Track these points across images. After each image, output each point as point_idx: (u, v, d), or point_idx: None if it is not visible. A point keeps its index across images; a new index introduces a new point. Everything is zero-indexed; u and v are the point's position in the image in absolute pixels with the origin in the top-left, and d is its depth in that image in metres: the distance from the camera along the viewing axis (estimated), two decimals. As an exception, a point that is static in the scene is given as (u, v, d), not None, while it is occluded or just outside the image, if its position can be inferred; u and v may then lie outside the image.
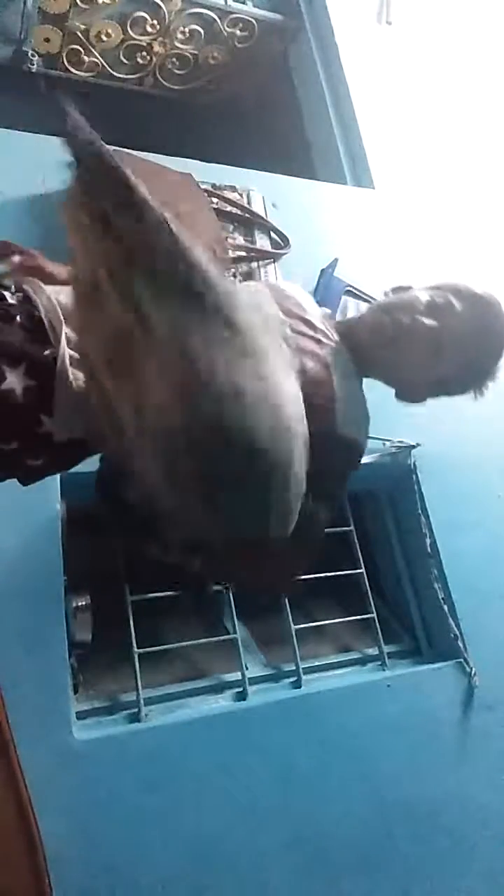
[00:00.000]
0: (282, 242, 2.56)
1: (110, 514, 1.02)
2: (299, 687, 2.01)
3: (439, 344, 1.10)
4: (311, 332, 1.07)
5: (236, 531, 0.82)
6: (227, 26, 3.13)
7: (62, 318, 0.96)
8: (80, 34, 2.97)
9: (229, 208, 2.50)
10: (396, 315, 1.10)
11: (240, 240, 2.48)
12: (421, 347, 1.10)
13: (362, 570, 2.28)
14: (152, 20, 2.99)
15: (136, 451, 0.79)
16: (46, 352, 0.94)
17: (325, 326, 1.10)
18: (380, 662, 2.18)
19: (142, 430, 0.77)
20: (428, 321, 1.09)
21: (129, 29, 3.00)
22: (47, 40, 2.97)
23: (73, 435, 0.95)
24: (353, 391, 1.09)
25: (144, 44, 3.08)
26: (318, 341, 1.06)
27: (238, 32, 3.17)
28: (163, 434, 0.75)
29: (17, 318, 0.96)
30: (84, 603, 1.81)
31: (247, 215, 2.53)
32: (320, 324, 1.09)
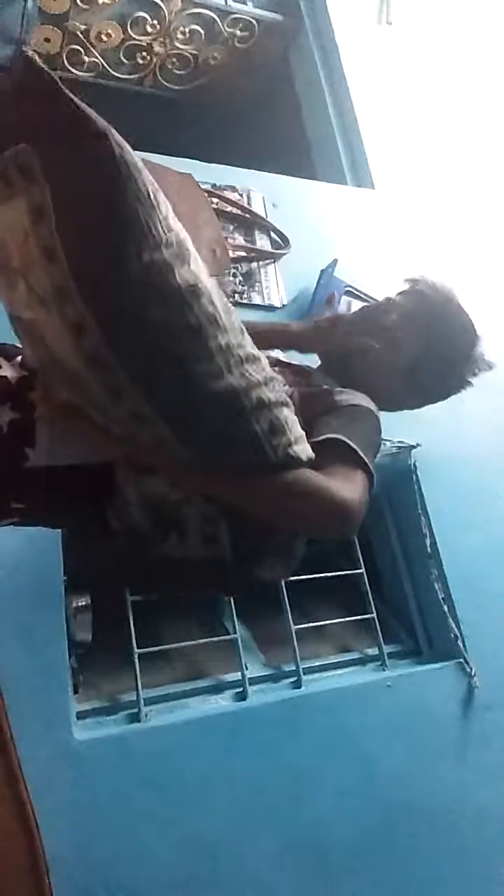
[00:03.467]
0: (282, 242, 2.56)
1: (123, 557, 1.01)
2: (299, 687, 2.01)
3: (393, 339, 1.18)
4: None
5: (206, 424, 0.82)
6: (227, 26, 3.13)
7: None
8: (80, 34, 2.97)
9: (229, 208, 2.50)
10: (372, 342, 1.19)
11: (240, 240, 2.48)
12: (385, 354, 1.19)
13: (362, 570, 2.28)
14: (152, 20, 2.98)
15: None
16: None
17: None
18: (380, 662, 2.18)
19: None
20: (398, 335, 1.19)
21: (129, 29, 2.99)
22: (47, 40, 2.97)
23: (54, 462, 0.93)
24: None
25: (144, 44, 3.08)
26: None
27: (238, 32, 3.17)
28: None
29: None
30: (84, 603, 1.81)
31: (247, 215, 2.53)
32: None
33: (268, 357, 0.97)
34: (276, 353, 1.27)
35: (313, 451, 0.90)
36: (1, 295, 0.84)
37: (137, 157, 0.75)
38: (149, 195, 0.74)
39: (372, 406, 1.08)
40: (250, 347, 0.85)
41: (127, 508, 0.91)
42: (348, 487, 0.88)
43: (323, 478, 0.87)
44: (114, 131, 0.73)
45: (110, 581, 1.07)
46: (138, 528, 0.91)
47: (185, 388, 0.79)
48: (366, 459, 0.94)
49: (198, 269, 0.79)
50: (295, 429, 0.88)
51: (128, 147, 0.74)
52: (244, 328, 0.86)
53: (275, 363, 1.16)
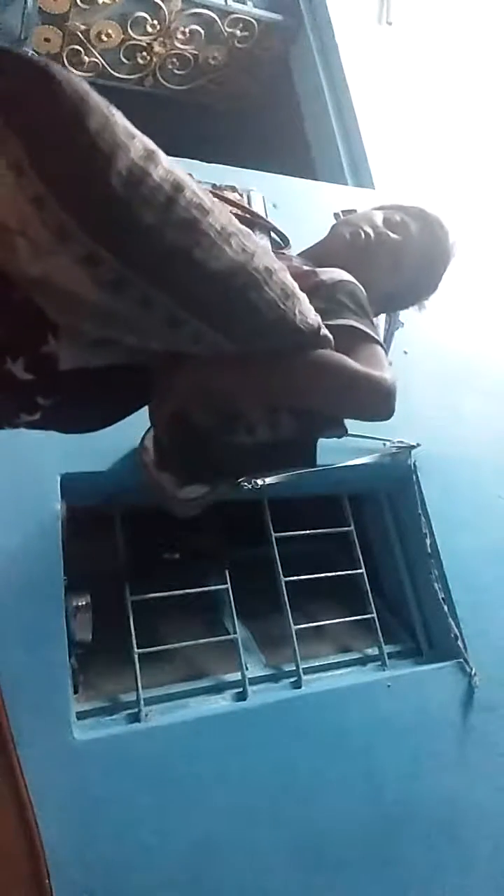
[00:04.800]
0: (282, 242, 2.55)
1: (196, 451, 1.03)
2: (299, 687, 2.01)
3: (399, 258, 1.20)
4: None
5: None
6: (227, 26, 3.13)
7: None
8: (80, 34, 2.97)
9: (229, 208, 2.49)
10: (363, 227, 1.19)
11: (240, 240, 2.48)
12: (384, 260, 1.22)
13: (362, 570, 2.28)
14: (152, 20, 2.99)
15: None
16: None
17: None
18: (380, 662, 2.18)
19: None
20: (392, 234, 1.19)
21: (129, 29, 3.00)
22: (47, 40, 2.97)
23: (80, 364, 0.92)
24: None
25: (144, 44, 3.08)
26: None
27: (238, 32, 3.17)
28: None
29: None
30: (84, 603, 1.81)
31: (247, 215, 2.52)
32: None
33: None
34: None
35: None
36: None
37: (81, 80, 0.78)
38: (104, 111, 0.78)
39: (353, 278, 1.12)
40: (237, 222, 0.89)
41: (183, 407, 0.95)
42: (379, 367, 0.96)
43: (354, 363, 0.94)
44: (53, 65, 0.77)
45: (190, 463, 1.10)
46: (202, 423, 0.96)
47: (200, 276, 0.82)
48: (378, 338, 1.00)
49: (171, 165, 0.83)
50: (300, 292, 0.92)
51: (70, 75, 0.78)
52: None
53: None
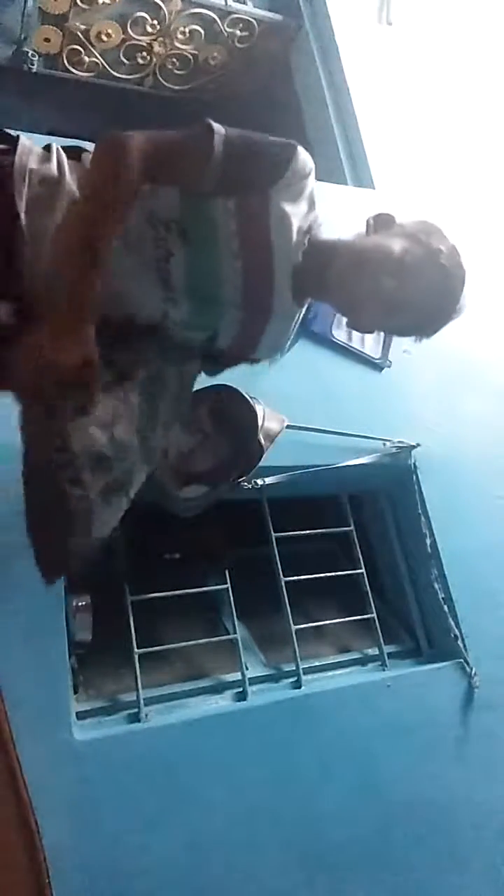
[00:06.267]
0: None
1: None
2: (299, 687, 2.01)
3: (394, 305, 1.10)
4: None
5: None
6: (227, 26, 3.13)
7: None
8: (80, 34, 2.97)
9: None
10: (366, 269, 1.08)
11: (240, 240, 2.48)
12: (377, 307, 1.11)
13: (362, 570, 2.28)
14: (152, 20, 2.98)
15: None
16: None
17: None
18: (380, 662, 2.18)
19: None
20: (390, 283, 1.07)
21: (129, 29, 2.99)
22: (47, 40, 2.97)
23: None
24: None
25: (144, 44, 3.08)
26: None
27: (238, 32, 3.17)
28: None
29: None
30: (84, 603, 1.81)
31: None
32: None
33: None
34: None
35: None
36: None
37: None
38: None
39: None
40: None
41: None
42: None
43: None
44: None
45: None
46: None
47: None
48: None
49: None
50: None
51: None
52: None
53: None
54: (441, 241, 1.10)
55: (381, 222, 1.16)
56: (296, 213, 1.06)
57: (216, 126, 0.98)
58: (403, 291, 1.07)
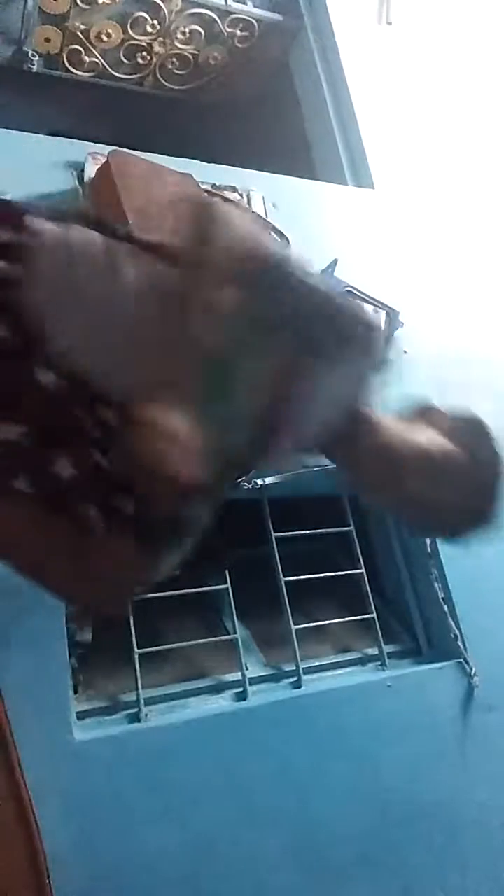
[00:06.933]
0: (282, 242, 2.55)
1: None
2: (299, 687, 2.01)
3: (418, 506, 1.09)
4: None
5: None
6: (227, 26, 3.13)
7: None
8: (80, 34, 2.96)
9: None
10: (396, 476, 1.07)
11: (240, 240, 2.47)
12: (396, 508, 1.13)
13: (362, 570, 2.28)
14: (152, 20, 2.98)
15: None
16: None
17: None
18: (380, 662, 2.18)
19: None
20: (417, 488, 1.06)
21: (129, 29, 2.99)
22: (47, 40, 2.97)
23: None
24: None
25: (144, 44, 3.08)
26: None
27: (238, 32, 3.17)
28: None
29: None
30: (84, 603, 1.81)
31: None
32: None
33: None
34: None
35: None
36: None
37: None
38: None
39: None
40: None
41: None
42: None
43: None
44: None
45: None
46: None
47: None
48: None
49: None
50: None
51: None
52: None
53: None
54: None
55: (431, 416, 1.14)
56: None
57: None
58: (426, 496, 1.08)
